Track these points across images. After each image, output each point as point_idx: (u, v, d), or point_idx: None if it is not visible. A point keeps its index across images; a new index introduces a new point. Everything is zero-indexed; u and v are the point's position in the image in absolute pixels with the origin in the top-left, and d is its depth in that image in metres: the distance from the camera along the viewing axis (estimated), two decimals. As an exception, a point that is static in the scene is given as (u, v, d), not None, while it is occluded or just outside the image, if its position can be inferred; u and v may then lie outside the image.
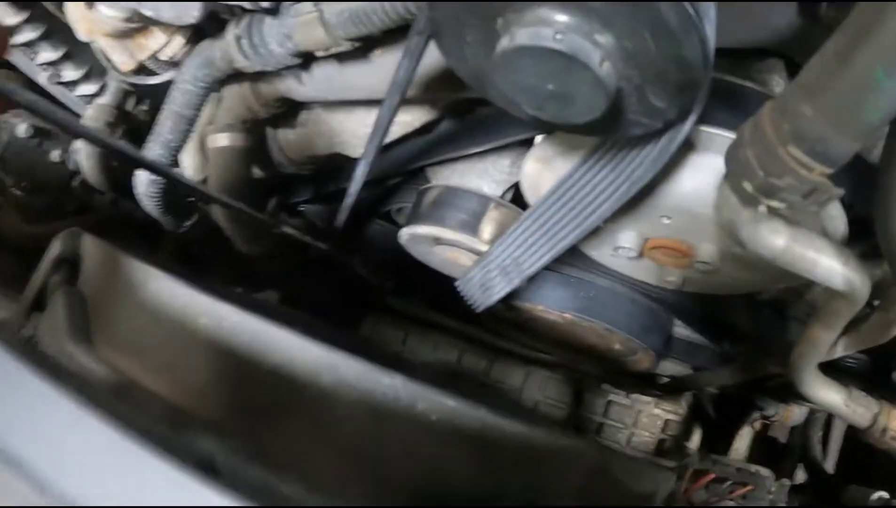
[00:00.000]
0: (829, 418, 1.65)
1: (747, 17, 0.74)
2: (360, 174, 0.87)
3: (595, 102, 0.57)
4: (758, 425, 1.66)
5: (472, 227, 1.00)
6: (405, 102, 0.94)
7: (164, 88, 1.11)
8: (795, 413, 1.59)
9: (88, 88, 1.31)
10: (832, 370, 1.03)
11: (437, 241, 1.02)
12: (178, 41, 1.06)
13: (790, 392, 1.54)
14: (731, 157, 0.62)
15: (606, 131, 0.66)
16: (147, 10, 0.91)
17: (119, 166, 1.27)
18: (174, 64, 1.08)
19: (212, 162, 1.09)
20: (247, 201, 1.09)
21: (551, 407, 1.68)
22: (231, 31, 0.89)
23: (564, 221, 0.83)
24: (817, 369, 0.98)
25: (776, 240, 0.71)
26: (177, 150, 1.08)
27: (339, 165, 1.13)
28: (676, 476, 1.20)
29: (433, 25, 0.58)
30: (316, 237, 1.16)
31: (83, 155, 1.25)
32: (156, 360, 0.77)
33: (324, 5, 0.77)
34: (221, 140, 1.07)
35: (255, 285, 1.72)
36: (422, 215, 1.03)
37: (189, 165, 1.19)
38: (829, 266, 0.73)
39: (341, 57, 0.85)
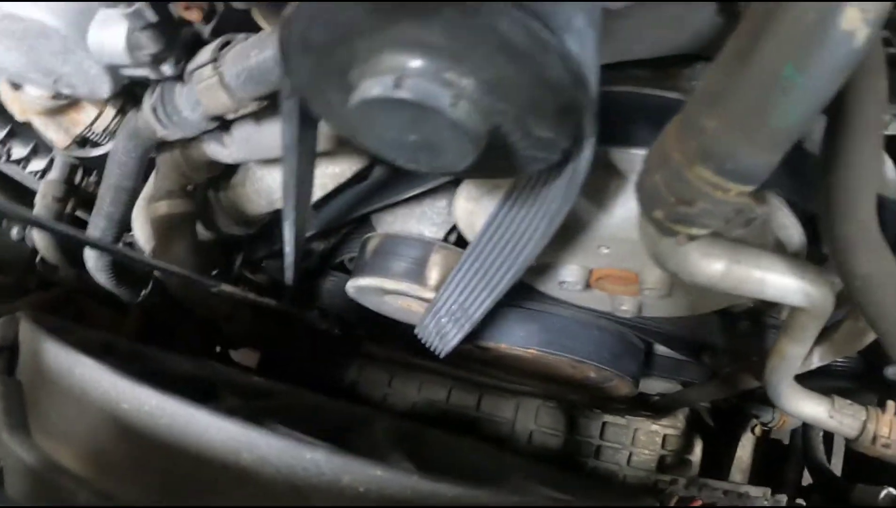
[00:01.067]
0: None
1: (663, 23, 0.67)
2: (288, 234, 0.85)
3: (462, 147, 0.53)
4: (758, 430, 1.61)
5: (417, 274, 0.97)
6: (328, 154, 0.92)
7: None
8: (790, 418, 1.53)
9: (38, 164, 1.31)
10: (820, 372, 0.99)
11: (385, 291, 1.00)
12: (109, 113, 1.05)
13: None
14: (640, 185, 0.57)
15: (505, 172, 0.63)
16: (64, 88, 0.90)
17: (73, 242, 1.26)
18: (112, 134, 1.08)
19: (154, 231, 1.08)
20: (193, 265, 1.08)
21: (546, 436, 1.66)
22: (146, 102, 0.88)
23: (497, 263, 0.80)
24: (794, 382, 0.93)
25: (712, 266, 0.67)
26: (121, 222, 1.07)
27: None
28: (660, 504, 1.15)
29: (294, 89, 0.56)
30: (271, 294, 1.14)
31: (36, 236, 1.24)
32: (85, 446, 0.76)
33: (223, 68, 0.75)
34: (161, 208, 1.06)
35: (231, 344, 1.71)
36: (365, 267, 1.00)
37: (140, 235, 1.18)
38: (781, 284, 0.69)
39: (257, 116, 0.84)
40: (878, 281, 0.57)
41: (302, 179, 0.78)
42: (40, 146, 1.28)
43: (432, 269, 0.97)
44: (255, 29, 0.79)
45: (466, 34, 0.48)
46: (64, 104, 1.03)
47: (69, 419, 0.78)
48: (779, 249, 0.79)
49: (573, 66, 0.49)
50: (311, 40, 0.51)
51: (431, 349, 1.00)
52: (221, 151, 0.93)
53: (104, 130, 1.07)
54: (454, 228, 1.00)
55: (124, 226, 1.09)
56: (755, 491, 1.26)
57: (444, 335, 0.96)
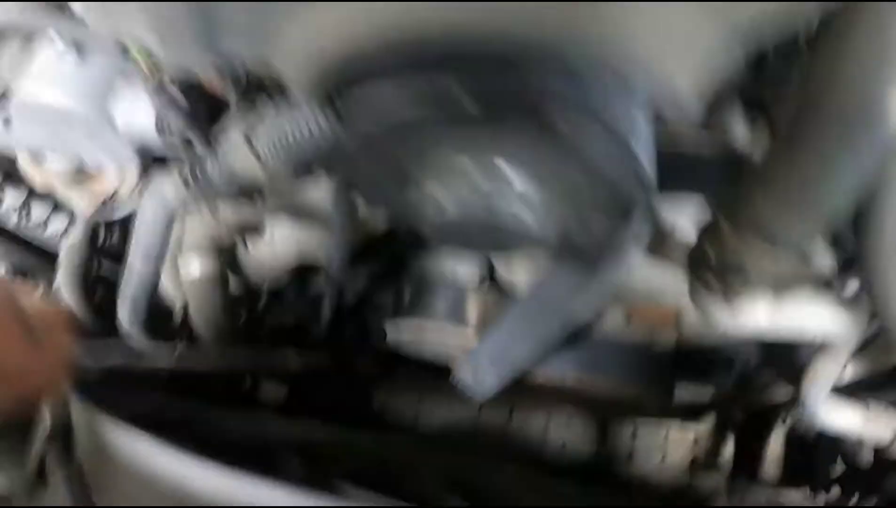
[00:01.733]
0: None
1: None
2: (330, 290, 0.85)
3: (535, 242, 0.55)
4: (788, 420, 1.61)
5: (456, 315, 0.97)
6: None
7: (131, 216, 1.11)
8: None
9: (59, 224, 1.31)
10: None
11: (425, 332, 1.00)
12: (132, 177, 1.05)
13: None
14: (693, 254, 0.59)
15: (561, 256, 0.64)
16: (90, 164, 0.90)
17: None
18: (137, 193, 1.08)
19: (188, 292, 1.08)
20: (225, 322, 1.09)
21: (578, 445, 1.67)
22: (177, 169, 0.88)
23: (547, 315, 0.80)
24: (829, 395, 0.94)
25: (756, 316, 0.69)
26: (153, 283, 1.07)
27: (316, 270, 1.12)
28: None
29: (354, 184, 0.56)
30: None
31: (67, 294, 1.24)
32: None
33: (257, 139, 0.75)
34: (193, 270, 1.06)
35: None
36: (406, 309, 1.01)
37: (173, 293, 1.19)
38: (819, 320, 0.72)
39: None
40: None
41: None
42: (60, 206, 1.28)
43: (471, 309, 0.97)
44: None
45: (555, 156, 0.49)
46: (86, 176, 1.04)
47: (135, 499, 0.78)
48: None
49: (642, 177, 0.50)
50: (388, 154, 0.52)
51: (468, 393, 1.00)
52: (251, 210, 0.93)
53: (127, 196, 1.08)
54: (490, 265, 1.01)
55: (156, 285, 1.10)
56: (796, 495, 1.25)
57: (481, 378, 0.96)
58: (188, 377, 1.35)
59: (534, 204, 0.51)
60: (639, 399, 1.19)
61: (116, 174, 1.04)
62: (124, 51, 0.72)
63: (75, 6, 0.57)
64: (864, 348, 0.90)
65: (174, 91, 0.70)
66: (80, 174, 1.02)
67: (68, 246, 1.25)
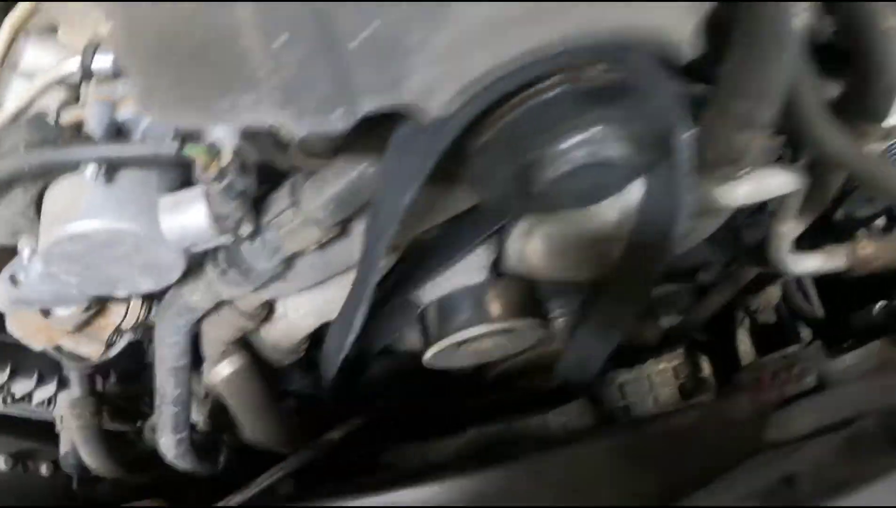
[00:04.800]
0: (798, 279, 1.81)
1: None
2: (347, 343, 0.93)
3: (626, 180, 0.73)
4: (747, 323, 1.76)
5: (483, 315, 1.08)
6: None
7: (125, 353, 1.12)
8: (772, 293, 1.71)
9: (45, 393, 1.27)
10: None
11: (460, 345, 1.10)
12: (137, 304, 1.08)
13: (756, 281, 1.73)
14: (700, 159, 0.77)
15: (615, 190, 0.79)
16: (122, 291, 0.93)
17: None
18: (140, 326, 1.10)
19: (226, 394, 1.11)
20: (274, 408, 1.13)
21: (578, 420, 1.74)
22: (211, 270, 0.93)
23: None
24: (794, 250, 1.14)
25: (741, 190, 0.90)
26: (188, 401, 1.09)
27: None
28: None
29: (472, 177, 0.68)
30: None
31: (86, 452, 1.21)
32: None
33: (304, 205, 0.83)
34: (224, 370, 1.10)
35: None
36: (436, 333, 1.10)
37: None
38: (781, 182, 0.92)
39: (324, 243, 0.91)
40: (850, 150, 0.82)
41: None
42: (45, 371, 1.25)
43: (492, 304, 1.08)
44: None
45: (630, 110, 0.66)
46: (93, 314, 1.05)
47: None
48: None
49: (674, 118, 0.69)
50: (516, 137, 0.65)
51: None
52: (284, 286, 0.99)
53: (133, 325, 1.09)
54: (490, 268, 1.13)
55: (191, 403, 1.11)
56: (796, 349, 1.43)
57: (586, 362, 1.06)
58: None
59: (622, 147, 0.67)
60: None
61: (120, 306, 1.07)
62: (166, 158, 0.77)
63: (159, 112, 0.64)
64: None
65: (235, 176, 0.76)
66: (87, 315, 1.03)
67: (70, 402, 1.22)
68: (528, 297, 1.13)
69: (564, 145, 0.64)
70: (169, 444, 1.12)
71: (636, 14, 0.57)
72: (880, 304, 1.56)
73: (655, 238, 0.89)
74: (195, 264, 0.96)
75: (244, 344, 1.14)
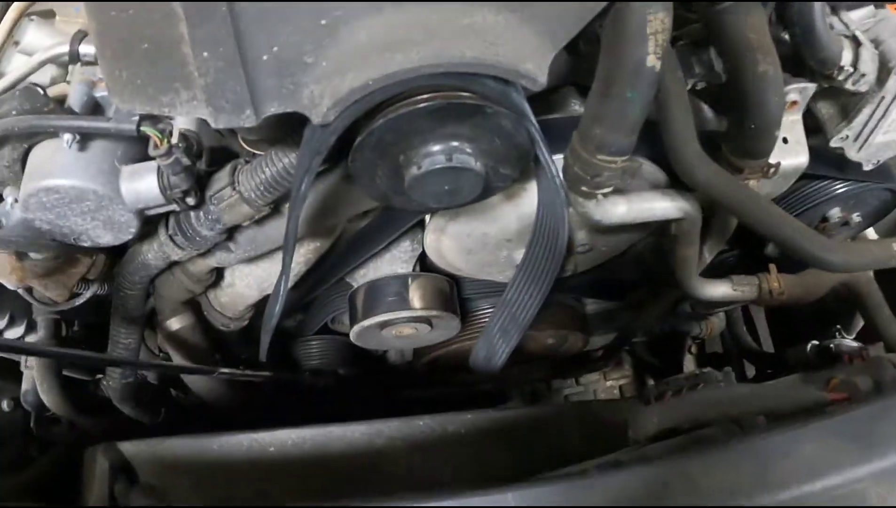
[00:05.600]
0: (746, 310, 1.92)
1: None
2: (276, 310, 1.06)
3: (476, 187, 0.86)
4: (694, 348, 1.91)
5: (404, 301, 1.23)
6: (313, 234, 1.17)
7: (88, 304, 1.27)
8: (716, 323, 1.86)
9: (14, 333, 1.41)
10: (718, 270, 1.32)
11: (383, 326, 1.24)
12: (101, 258, 1.23)
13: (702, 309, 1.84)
14: (566, 174, 0.90)
15: (484, 196, 0.93)
16: (85, 242, 1.08)
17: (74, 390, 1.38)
18: (96, 281, 1.25)
19: (172, 348, 1.25)
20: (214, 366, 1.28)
21: None
22: (162, 233, 1.08)
23: (542, 261, 1.06)
24: (700, 277, 1.25)
25: (619, 209, 1.01)
26: (137, 349, 1.23)
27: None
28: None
29: (356, 170, 0.83)
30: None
31: (44, 389, 1.35)
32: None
33: (241, 186, 0.99)
34: (173, 325, 1.24)
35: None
36: (361, 313, 1.25)
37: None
38: (663, 206, 1.04)
39: (259, 220, 1.07)
40: (717, 182, 0.93)
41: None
42: (16, 314, 1.40)
43: (414, 294, 1.23)
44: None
45: (483, 127, 0.80)
46: (61, 262, 1.20)
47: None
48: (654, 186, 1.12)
49: (533, 134, 0.82)
50: (383, 140, 0.79)
51: (483, 374, 1.24)
52: (227, 256, 1.14)
53: (95, 277, 1.24)
54: (417, 260, 1.27)
55: (140, 352, 1.26)
56: (709, 371, 1.51)
57: (492, 355, 1.20)
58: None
59: (477, 158, 0.81)
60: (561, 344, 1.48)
61: (86, 257, 1.22)
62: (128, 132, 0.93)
63: (121, 100, 0.79)
64: (706, 233, 1.24)
65: (181, 154, 0.92)
66: (57, 262, 1.18)
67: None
68: (447, 292, 1.28)
69: (426, 150, 0.79)
70: (115, 388, 1.27)
71: (493, 47, 0.71)
72: (812, 343, 1.64)
73: (548, 245, 1.03)
74: (152, 227, 1.11)
75: (193, 306, 1.29)
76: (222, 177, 1.01)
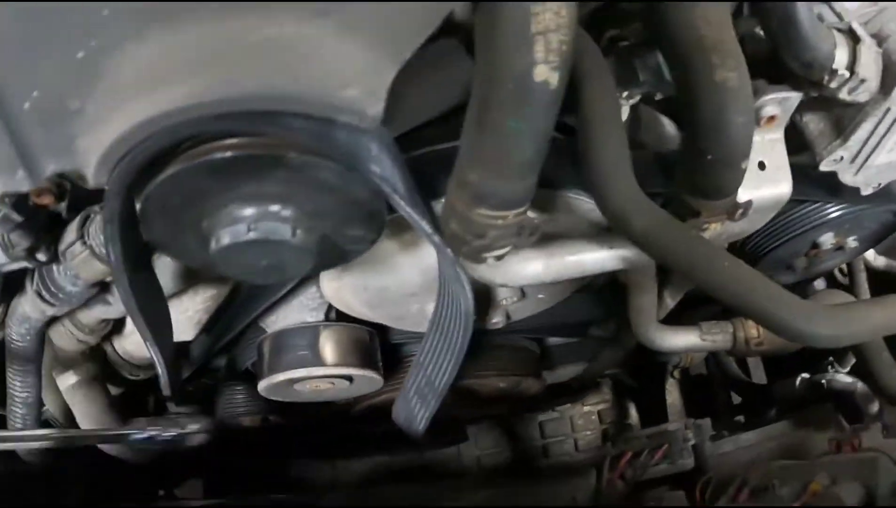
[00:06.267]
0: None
1: (436, 87, 0.77)
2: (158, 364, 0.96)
3: (303, 260, 0.70)
4: (677, 373, 1.76)
5: (314, 357, 1.10)
6: (184, 292, 1.05)
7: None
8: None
9: None
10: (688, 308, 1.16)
11: (292, 382, 1.12)
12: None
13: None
14: (444, 232, 0.71)
15: (336, 263, 0.78)
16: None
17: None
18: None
19: (70, 401, 1.16)
20: (114, 419, 1.17)
21: (493, 455, 1.75)
22: (30, 289, 0.98)
23: (452, 327, 0.90)
24: (660, 324, 1.08)
25: (531, 268, 0.83)
26: (36, 402, 1.15)
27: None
28: (597, 470, 1.30)
29: (154, 241, 0.69)
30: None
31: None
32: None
33: (90, 240, 0.87)
34: (69, 379, 1.15)
35: (178, 481, 1.76)
36: (267, 367, 1.12)
37: (54, 408, 1.25)
38: (596, 258, 0.84)
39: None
40: (659, 233, 0.71)
41: (154, 316, 0.89)
42: None
43: (325, 347, 1.10)
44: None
45: (294, 183, 0.63)
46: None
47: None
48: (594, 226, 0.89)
49: (374, 186, 0.65)
50: (169, 205, 0.65)
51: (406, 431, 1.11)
52: (108, 309, 1.04)
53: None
54: (330, 307, 1.14)
55: (40, 404, 1.17)
56: (673, 426, 1.39)
57: (412, 419, 1.07)
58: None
59: (295, 225, 0.66)
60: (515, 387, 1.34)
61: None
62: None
63: None
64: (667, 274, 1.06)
65: (8, 210, 0.81)
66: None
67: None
68: (365, 342, 1.14)
69: (225, 217, 0.64)
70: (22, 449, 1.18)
71: (295, 71, 0.55)
72: (802, 376, 1.52)
73: (452, 305, 0.88)
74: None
75: (95, 355, 1.19)
76: (72, 229, 0.89)
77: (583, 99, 0.69)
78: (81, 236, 0.88)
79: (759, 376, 1.86)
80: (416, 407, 1.05)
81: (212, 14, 0.55)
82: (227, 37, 0.55)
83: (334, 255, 0.74)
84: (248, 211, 0.64)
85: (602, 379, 1.77)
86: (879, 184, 0.96)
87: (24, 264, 0.90)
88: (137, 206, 0.65)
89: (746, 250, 1.14)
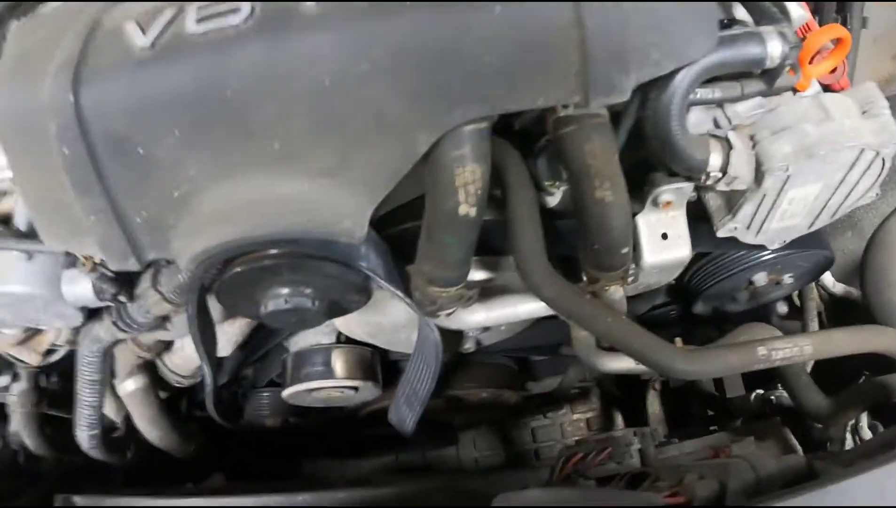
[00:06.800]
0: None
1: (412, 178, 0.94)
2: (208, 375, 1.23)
3: (319, 317, 1.02)
4: (658, 384, 1.90)
5: (328, 372, 1.38)
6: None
7: (65, 358, 1.45)
8: None
9: (3, 381, 1.61)
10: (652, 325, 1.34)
11: (311, 391, 1.39)
12: (66, 330, 1.40)
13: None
14: (413, 296, 1.01)
15: (339, 315, 1.08)
16: (43, 327, 1.26)
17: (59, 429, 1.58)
18: (64, 345, 1.42)
19: (129, 405, 1.43)
20: (165, 420, 1.45)
21: (489, 457, 2.00)
22: (107, 319, 1.25)
23: (427, 349, 1.15)
24: (598, 350, 1.21)
25: (476, 318, 1.13)
26: (100, 406, 1.41)
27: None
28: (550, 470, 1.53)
29: (225, 306, 0.98)
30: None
31: (26, 434, 1.55)
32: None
33: (161, 288, 1.14)
34: (129, 386, 1.42)
35: (204, 475, 2.02)
36: (291, 379, 1.40)
37: (109, 409, 1.53)
38: (527, 308, 1.12)
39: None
40: (561, 299, 0.96)
41: (208, 343, 1.15)
42: (2, 368, 1.59)
43: (336, 364, 1.38)
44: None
45: (313, 273, 0.94)
46: (31, 334, 1.38)
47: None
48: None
49: (362, 276, 0.96)
50: (236, 287, 0.95)
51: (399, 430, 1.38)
52: (167, 333, 1.31)
53: (64, 342, 1.42)
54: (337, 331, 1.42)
55: (102, 409, 1.44)
56: (619, 432, 1.52)
57: (402, 421, 1.35)
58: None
59: (314, 298, 0.97)
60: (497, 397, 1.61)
61: (54, 331, 1.39)
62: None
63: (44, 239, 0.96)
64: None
65: (105, 270, 1.08)
66: (27, 335, 1.36)
67: (19, 393, 1.56)
68: (368, 360, 1.42)
69: (270, 293, 0.95)
70: (83, 438, 1.45)
71: (308, 213, 0.84)
72: (756, 392, 1.70)
73: (425, 338, 1.14)
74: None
75: (148, 367, 1.46)
76: (146, 279, 1.16)
77: (508, 204, 0.95)
78: (154, 284, 1.15)
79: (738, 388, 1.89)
80: (405, 412, 1.32)
81: (255, 170, 0.83)
82: (260, 192, 0.85)
83: (339, 311, 1.04)
84: (285, 290, 0.95)
85: (591, 389, 1.98)
86: (784, 240, 1.16)
87: (109, 303, 1.17)
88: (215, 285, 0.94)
89: (690, 285, 1.33)
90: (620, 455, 1.47)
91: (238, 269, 0.90)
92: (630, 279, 1.07)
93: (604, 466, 1.41)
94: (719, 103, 0.98)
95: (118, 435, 1.56)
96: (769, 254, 1.21)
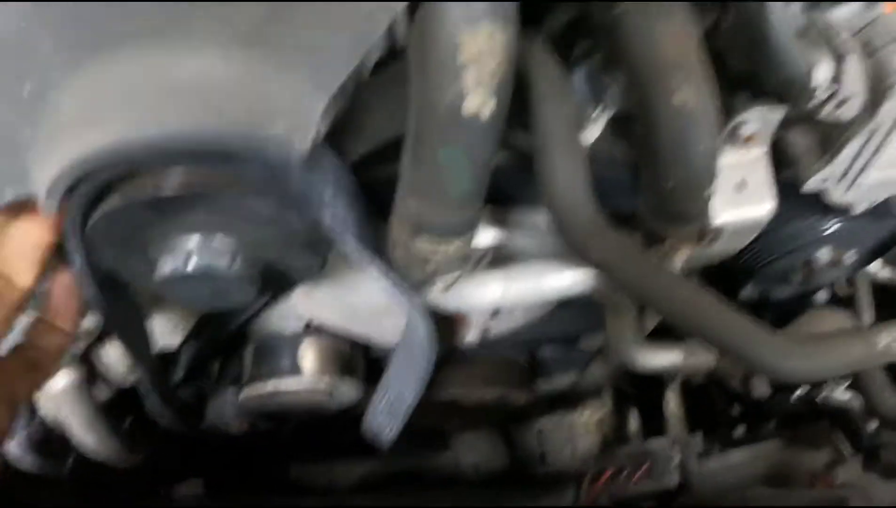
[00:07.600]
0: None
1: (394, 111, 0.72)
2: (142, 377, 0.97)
3: (245, 289, 0.69)
4: (677, 384, 1.67)
5: (292, 369, 1.10)
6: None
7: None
8: None
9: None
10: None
11: (274, 394, 1.12)
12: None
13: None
14: (391, 257, 0.71)
15: (285, 289, 0.77)
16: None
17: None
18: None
19: (58, 404, 1.18)
20: (103, 423, 1.20)
21: (490, 462, 1.73)
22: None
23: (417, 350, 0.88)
24: (641, 343, 1.03)
25: (490, 292, 0.81)
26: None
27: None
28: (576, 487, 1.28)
29: (105, 267, 0.70)
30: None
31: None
32: None
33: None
34: (59, 382, 1.17)
35: (177, 479, 1.79)
36: (248, 377, 1.13)
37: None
38: (560, 281, 0.80)
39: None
40: (621, 263, 0.70)
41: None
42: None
43: (305, 359, 1.10)
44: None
45: (229, 214, 0.63)
46: None
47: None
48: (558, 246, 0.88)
49: (313, 215, 0.64)
50: (113, 236, 0.65)
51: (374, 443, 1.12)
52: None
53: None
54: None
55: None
56: (657, 442, 1.37)
57: (379, 432, 1.07)
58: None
59: (239, 255, 0.66)
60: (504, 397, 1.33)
61: None
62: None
63: None
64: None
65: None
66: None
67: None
68: (347, 354, 1.14)
69: (164, 248, 0.65)
70: (13, 442, 1.21)
71: (217, 107, 0.55)
72: (799, 391, 1.46)
73: (412, 327, 0.86)
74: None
75: (85, 360, 1.21)
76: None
77: (538, 124, 0.67)
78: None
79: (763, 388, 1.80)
80: (385, 421, 1.04)
81: (138, 46, 0.55)
82: (147, 76, 0.55)
83: (279, 280, 0.73)
84: (187, 241, 0.65)
85: (603, 387, 1.76)
86: (872, 202, 0.92)
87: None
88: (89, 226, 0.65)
89: (740, 263, 1.09)
90: (660, 472, 1.23)
91: (114, 203, 0.60)
92: (708, 240, 0.79)
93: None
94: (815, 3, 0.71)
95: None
96: (834, 225, 0.98)
